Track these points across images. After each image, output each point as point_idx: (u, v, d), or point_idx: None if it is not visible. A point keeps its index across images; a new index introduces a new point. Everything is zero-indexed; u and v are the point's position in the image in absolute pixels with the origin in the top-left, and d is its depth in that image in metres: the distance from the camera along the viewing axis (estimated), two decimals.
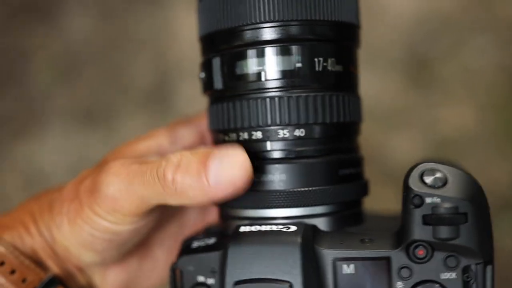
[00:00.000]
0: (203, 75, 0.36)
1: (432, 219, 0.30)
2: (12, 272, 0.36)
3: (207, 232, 0.37)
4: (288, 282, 0.31)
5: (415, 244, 0.30)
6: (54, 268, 0.38)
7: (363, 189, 0.37)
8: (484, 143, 1.06)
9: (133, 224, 0.36)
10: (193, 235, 0.37)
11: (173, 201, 0.34)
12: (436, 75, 1.09)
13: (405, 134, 1.07)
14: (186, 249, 0.36)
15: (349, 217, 0.36)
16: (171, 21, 1.16)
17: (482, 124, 1.07)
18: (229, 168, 0.32)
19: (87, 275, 0.40)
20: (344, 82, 0.35)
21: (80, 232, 0.36)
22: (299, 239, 0.31)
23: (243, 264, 0.32)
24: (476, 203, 0.30)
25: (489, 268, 0.31)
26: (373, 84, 1.08)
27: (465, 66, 1.09)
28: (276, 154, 0.34)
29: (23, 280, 0.36)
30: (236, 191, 0.33)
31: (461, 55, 1.09)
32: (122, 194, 0.34)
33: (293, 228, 0.32)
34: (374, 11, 1.13)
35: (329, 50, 0.34)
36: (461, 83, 1.09)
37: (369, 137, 1.21)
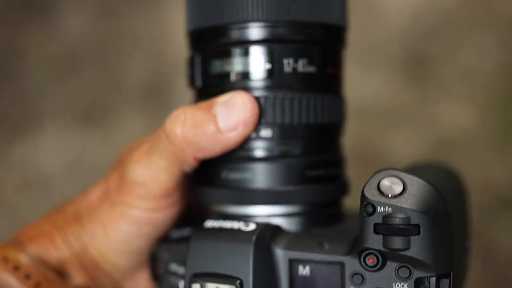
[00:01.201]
0: (187, 71, 0.37)
1: (382, 229, 0.29)
2: (37, 286, 0.36)
3: (191, 223, 0.38)
4: (239, 278, 0.31)
5: (366, 252, 0.30)
6: (81, 280, 0.38)
7: (339, 189, 0.37)
8: (483, 142, 1.05)
9: (167, 210, 0.36)
10: (180, 226, 0.38)
11: (190, 158, 0.34)
12: (435, 73, 1.07)
13: (403, 132, 1.06)
14: (165, 238, 0.37)
15: (320, 218, 0.36)
16: (168, 19, 1.16)
17: (481, 122, 1.05)
18: (236, 110, 0.33)
19: (117, 282, 0.40)
20: (318, 83, 0.35)
21: (117, 233, 0.37)
22: (253, 238, 0.32)
23: (201, 257, 0.33)
24: (432, 215, 0.29)
25: (444, 282, 0.30)
26: (372, 82, 1.07)
27: (464, 64, 1.07)
28: (243, 153, 0.34)
29: None
30: (247, 131, 0.33)
31: (460, 53, 1.07)
32: (147, 175, 0.35)
33: (252, 226, 0.33)
34: (372, 9, 1.11)
35: (299, 51, 0.34)
36: (460, 81, 1.06)
37: (367, 136, 1.12)
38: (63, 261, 0.38)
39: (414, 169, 0.33)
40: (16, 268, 0.36)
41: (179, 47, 1.07)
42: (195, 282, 0.32)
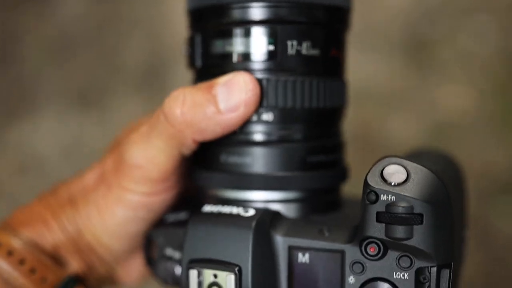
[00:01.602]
0: (187, 51, 0.36)
1: (385, 217, 0.29)
2: (32, 271, 0.35)
3: (187, 207, 0.38)
4: (238, 265, 0.31)
5: (367, 241, 0.30)
6: (75, 264, 0.38)
7: (338, 176, 0.36)
8: (482, 126, 1.04)
9: (164, 193, 0.35)
10: (176, 209, 0.38)
11: (189, 140, 0.33)
12: (434, 57, 1.06)
13: (402, 116, 1.05)
14: (160, 221, 0.37)
15: (319, 204, 0.35)
16: (164, 1, 1.14)
17: (480, 106, 1.04)
18: (237, 90, 0.32)
19: (110, 266, 0.39)
20: (321, 67, 0.34)
21: (113, 217, 0.36)
22: (253, 224, 0.31)
23: (199, 243, 0.32)
24: (435, 204, 0.29)
25: (445, 272, 0.30)
26: (371, 65, 1.06)
27: (464, 48, 1.06)
28: (242, 137, 0.34)
29: (43, 280, 0.35)
30: (248, 112, 0.32)
31: (460, 36, 1.07)
32: (145, 157, 0.34)
33: (251, 212, 0.32)
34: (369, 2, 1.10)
35: (304, 33, 0.33)
36: (459, 64, 1.06)
37: (366, 119, 1.11)
38: (57, 245, 0.37)
39: (416, 157, 0.33)
40: (9, 253, 0.35)
41: (177, 29, 1.05)
42: (192, 268, 0.32)
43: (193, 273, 0.32)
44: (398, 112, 1.07)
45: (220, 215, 0.32)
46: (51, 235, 0.37)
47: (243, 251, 0.31)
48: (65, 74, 1.13)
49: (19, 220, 0.38)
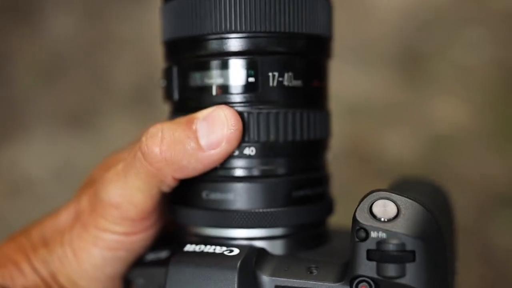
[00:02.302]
0: (163, 83, 0.35)
1: (376, 255, 0.27)
2: None
3: (166, 243, 0.36)
4: None
5: (358, 279, 0.28)
6: None
7: (325, 209, 0.35)
8: (478, 139, 1.04)
9: (143, 232, 0.34)
10: (155, 246, 0.36)
11: (169, 178, 0.32)
12: (428, 70, 1.06)
13: (397, 130, 1.05)
14: (139, 261, 0.35)
15: (306, 240, 0.34)
16: (156, 21, 1.12)
17: (476, 119, 1.04)
18: (218, 125, 0.31)
19: None
20: (304, 98, 0.33)
21: (89, 258, 0.34)
22: (238, 264, 0.30)
23: (181, 284, 0.30)
24: (427, 241, 0.27)
25: None
26: (365, 80, 1.06)
27: (458, 61, 1.06)
28: (224, 172, 0.32)
29: None
30: (230, 148, 0.31)
31: (453, 49, 1.07)
32: (123, 196, 0.32)
33: (236, 251, 0.31)
34: (365, 6, 1.10)
35: (285, 63, 0.32)
36: (454, 78, 1.06)
37: (361, 134, 1.09)
38: None
39: (404, 189, 0.31)
40: None
41: None
42: None
43: None
44: (392, 126, 1.07)
45: (202, 254, 0.31)
46: (23, 278, 0.35)
47: None
48: (55, 94, 1.13)
49: None
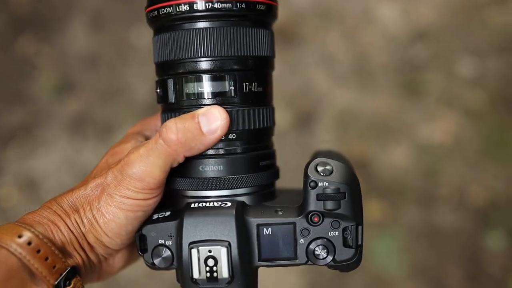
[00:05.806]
0: (160, 91, 0.49)
1: (322, 197, 0.44)
2: (46, 259, 0.44)
3: (162, 207, 0.50)
4: (227, 241, 0.45)
5: (311, 214, 0.45)
6: (77, 258, 0.47)
7: (276, 174, 0.51)
8: (469, 154, 1.12)
9: (156, 197, 0.47)
10: (156, 209, 0.49)
11: (181, 157, 0.46)
12: (421, 88, 1.16)
13: (392, 146, 1.14)
14: (148, 219, 0.48)
15: (266, 195, 0.50)
16: None
17: (467, 135, 1.13)
18: (214, 118, 0.46)
19: (102, 259, 0.50)
20: (263, 99, 0.49)
21: (115, 219, 0.46)
22: (233, 211, 0.45)
23: (194, 229, 0.45)
24: (352, 186, 0.45)
25: (360, 228, 0.46)
26: (362, 98, 1.14)
27: (449, 78, 1.16)
28: (215, 151, 0.47)
29: (53, 267, 0.44)
30: (222, 134, 0.46)
31: (445, 68, 1.16)
32: (146, 172, 0.45)
33: (229, 204, 0.46)
34: (361, 28, 1.20)
35: (253, 76, 0.48)
36: (445, 95, 1.15)
37: (357, 149, 1.21)
38: (64, 243, 0.46)
39: (332, 155, 0.49)
40: (29, 243, 0.44)
41: None
42: (192, 248, 0.45)
43: (194, 252, 0.45)
44: (386, 142, 1.15)
45: (206, 208, 0.46)
46: (60, 234, 0.46)
47: (230, 231, 0.45)
48: (67, 103, 1.17)
49: (32, 220, 0.46)
